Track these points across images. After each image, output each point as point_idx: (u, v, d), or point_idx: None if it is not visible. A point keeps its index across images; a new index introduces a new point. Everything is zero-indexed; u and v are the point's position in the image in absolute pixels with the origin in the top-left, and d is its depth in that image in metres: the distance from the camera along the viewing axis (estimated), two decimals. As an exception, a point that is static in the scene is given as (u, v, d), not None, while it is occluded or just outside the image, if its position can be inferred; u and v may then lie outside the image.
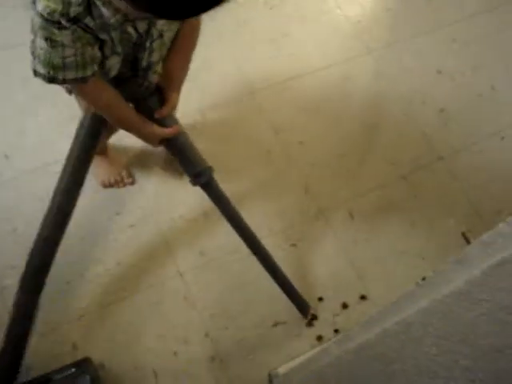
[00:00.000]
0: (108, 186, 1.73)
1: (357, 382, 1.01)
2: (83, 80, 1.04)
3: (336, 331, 1.67)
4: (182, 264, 1.68)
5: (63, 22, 0.90)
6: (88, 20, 0.93)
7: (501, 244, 0.59)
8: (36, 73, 1.03)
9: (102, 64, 1.08)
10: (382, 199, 1.89)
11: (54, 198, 1.28)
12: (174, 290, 1.65)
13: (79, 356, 1.50)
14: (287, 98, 2.01)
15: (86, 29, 0.95)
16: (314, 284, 1.73)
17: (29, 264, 1.30)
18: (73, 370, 1.37)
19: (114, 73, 1.15)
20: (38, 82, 1.86)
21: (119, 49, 1.07)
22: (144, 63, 1.17)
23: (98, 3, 0.92)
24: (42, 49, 0.97)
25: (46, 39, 0.94)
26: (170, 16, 0.84)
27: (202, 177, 1.31)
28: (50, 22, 0.90)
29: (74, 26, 0.93)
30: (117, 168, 1.74)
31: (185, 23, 1.17)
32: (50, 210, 1.28)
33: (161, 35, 1.12)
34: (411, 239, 1.84)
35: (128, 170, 1.78)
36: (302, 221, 1.81)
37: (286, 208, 1.83)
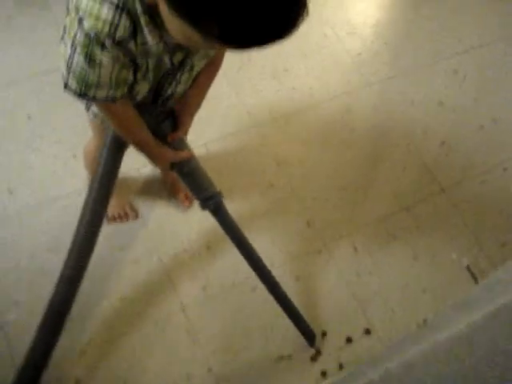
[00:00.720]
0: (112, 220, 1.74)
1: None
2: (113, 100, 1.05)
3: (341, 366, 1.66)
4: (185, 298, 1.68)
5: (107, 43, 0.91)
6: (131, 45, 0.94)
7: (501, 289, 0.59)
8: (67, 86, 1.03)
9: (131, 87, 1.09)
10: (384, 231, 1.90)
11: (78, 227, 1.25)
12: (176, 325, 1.64)
13: (82, 393, 1.49)
14: (290, 131, 2.03)
15: (127, 53, 0.96)
16: (317, 317, 1.72)
17: (50, 305, 1.27)
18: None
19: (139, 97, 1.16)
20: (42, 118, 1.90)
21: (151, 76, 1.09)
22: (168, 93, 1.19)
23: (145, 30, 0.92)
24: (78, 65, 0.97)
25: (86, 57, 0.94)
26: (238, 44, 0.81)
27: (211, 201, 1.31)
28: (94, 42, 0.91)
29: (117, 49, 0.93)
30: (120, 203, 1.75)
31: (213, 59, 1.19)
32: (73, 246, 1.25)
33: (191, 68, 1.14)
34: (414, 272, 1.84)
35: (131, 204, 1.79)
36: (305, 253, 1.81)
37: (288, 240, 1.83)
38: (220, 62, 1.24)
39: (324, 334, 1.69)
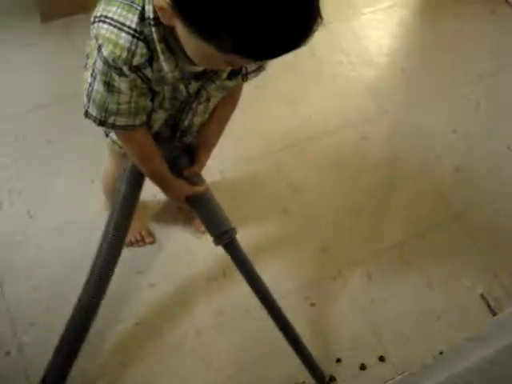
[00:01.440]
0: (129, 245, 1.76)
1: None
2: (132, 128, 1.08)
3: (355, 394, 1.66)
4: (200, 323, 1.69)
5: (125, 69, 0.94)
6: (148, 71, 0.97)
7: (513, 325, 0.60)
8: (87, 114, 1.06)
9: (148, 116, 1.11)
10: (399, 258, 1.90)
11: (98, 255, 1.27)
12: (191, 350, 1.65)
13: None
14: (305, 158, 2.06)
15: (144, 79, 0.99)
16: (331, 344, 1.72)
17: (67, 330, 1.30)
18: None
19: (156, 127, 1.19)
20: (61, 143, 1.94)
21: (167, 104, 1.11)
22: (185, 124, 1.20)
23: (161, 58, 0.95)
24: (98, 92, 1.00)
25: (105, 84, 0.98)
26: (252, 55, 0.82)
27: (224, 237, 1.31)
28: (113, 68, 0.94)
29: (134, 75, 0.97)
30: (137, 227, 1.76)
31: (231, 92, 1.20)
32: (92, 273, 1.27)
33: (208, 99, 1.15)
34: (429, 299, 1.84)
35: (148, 228, 1.82)
36: (320, 280, 1.82)
37: (303, 267, 1.84)
38: (238, 95, 1.26)
39: (338, 361, 1.69)
